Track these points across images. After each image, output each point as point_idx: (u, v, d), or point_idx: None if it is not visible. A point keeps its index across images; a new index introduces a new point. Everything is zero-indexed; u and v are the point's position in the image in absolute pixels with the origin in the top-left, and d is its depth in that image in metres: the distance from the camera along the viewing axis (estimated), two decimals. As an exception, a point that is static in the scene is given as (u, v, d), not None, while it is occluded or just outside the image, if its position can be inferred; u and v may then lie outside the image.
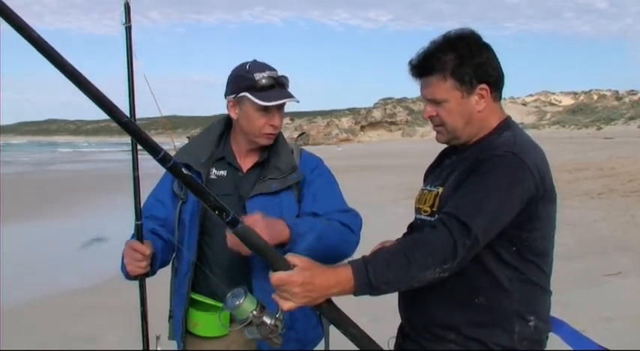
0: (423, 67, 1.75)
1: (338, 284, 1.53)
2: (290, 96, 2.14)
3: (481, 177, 1.61)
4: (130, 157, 2.01)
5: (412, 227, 1.99)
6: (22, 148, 76.53)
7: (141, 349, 2.06)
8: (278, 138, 2.26)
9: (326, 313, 1.66)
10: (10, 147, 76.66)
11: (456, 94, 1.73)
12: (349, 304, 2.20)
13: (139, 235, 1.99)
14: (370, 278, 1.52)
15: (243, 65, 2.17)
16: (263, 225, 1.86)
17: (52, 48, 1.32)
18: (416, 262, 1.53)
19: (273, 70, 2.15)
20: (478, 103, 1.74)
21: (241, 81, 2.13)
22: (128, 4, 1.90)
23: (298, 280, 1.51)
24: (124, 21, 1.91)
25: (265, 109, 2.12)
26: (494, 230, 1.59)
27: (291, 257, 1.57)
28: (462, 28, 1.77)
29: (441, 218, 1.60)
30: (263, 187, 2.16)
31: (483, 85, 1.73)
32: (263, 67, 2.14)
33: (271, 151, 2.24)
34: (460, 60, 1.70)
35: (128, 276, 2.04)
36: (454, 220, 1.55)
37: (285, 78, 2.16)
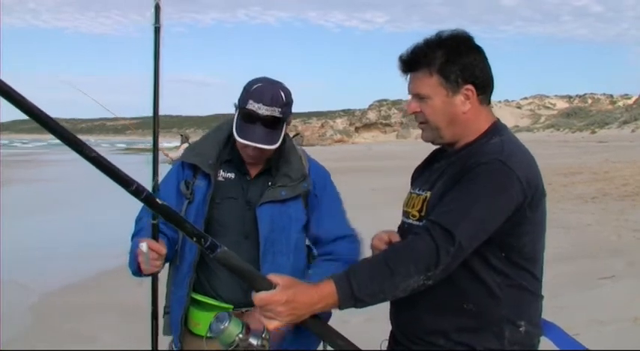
0: (411, 61, 1.74)
1: (321, 300, 1.51)
2: (263, 141, 2.04)
3: (467, 184, 1.60)
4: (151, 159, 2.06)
5: (400, 230, 1.95)
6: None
7: (150, 349, 2.08)
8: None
9: (311, 327, 1.62)
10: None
11: (441, 92, 1.70)
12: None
13: (154, 234, 1.99)
14: (353, 291, 1.51)
15: (255, 82, 2.11)
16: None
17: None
18: (398, 271, 1.51)
19: (272, 104, 2.04)
20: (463, 104, 1.71)
21: (241, 97, 2.10)
22: (159, 5, 1.88)
23: (281, 299, 1.49)
24: (153, 21, 1.89)
25: None
26: (480, 238, 1.58)
27: (272, 276, 1.54)
28: (456, 28, 1.75)
29: (425, 225, 1.59)
30: (273, 194, 2.14)
31: (469, 86, 1.70)
32: (263, 96, 2.04)
33: (280, 157, 2.21)
34: (447, 58, 1.69)
35: (137, 273, 2.03)
36: (438, 227, 1.54)
37: (275, 117, 2.05)
